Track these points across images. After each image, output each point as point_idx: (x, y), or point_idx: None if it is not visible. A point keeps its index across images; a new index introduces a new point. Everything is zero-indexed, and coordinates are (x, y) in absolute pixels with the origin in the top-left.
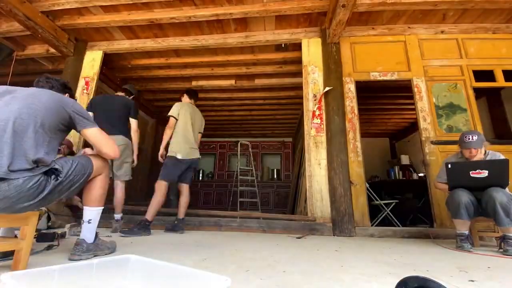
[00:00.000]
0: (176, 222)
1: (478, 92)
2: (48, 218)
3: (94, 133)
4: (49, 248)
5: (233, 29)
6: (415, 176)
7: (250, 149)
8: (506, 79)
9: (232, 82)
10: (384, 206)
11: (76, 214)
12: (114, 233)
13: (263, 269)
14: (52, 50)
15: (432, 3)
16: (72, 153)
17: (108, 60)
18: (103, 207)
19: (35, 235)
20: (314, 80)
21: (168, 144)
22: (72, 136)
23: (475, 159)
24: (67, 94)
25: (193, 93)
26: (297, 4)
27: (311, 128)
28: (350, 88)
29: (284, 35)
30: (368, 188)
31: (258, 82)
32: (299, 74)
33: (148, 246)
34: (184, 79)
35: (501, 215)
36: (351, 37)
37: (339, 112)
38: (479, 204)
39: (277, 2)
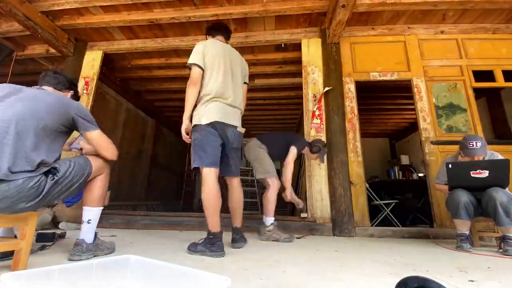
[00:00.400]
0: (233, 235)
1: (478, 92)
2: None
3: (95, 136)
4: (42, 248)
5: (233, 29)
6: (415, 176)
7: None
8: (506, 79)
9: None
10: (384, 206)
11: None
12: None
13: (263, 269)
14: (52, 50)
15: (432, 3)
16: None
17: (108, 60)
18: (102, 208)
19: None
20: (314, 80)
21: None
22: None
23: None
24: (72, 92)
25: (221, 28)
26: (297, 4)
27: (311, 128)
28: (350, 88)
29: (284, 35)
30: (368, 188)
31: (258, 82)
32: (299, 74)
33: (147, 246)
34: (184, 79)
35: (502, 215)
36: (351, 37)
37: (339, 112)
38: (479, 204)
39: (277, 2)
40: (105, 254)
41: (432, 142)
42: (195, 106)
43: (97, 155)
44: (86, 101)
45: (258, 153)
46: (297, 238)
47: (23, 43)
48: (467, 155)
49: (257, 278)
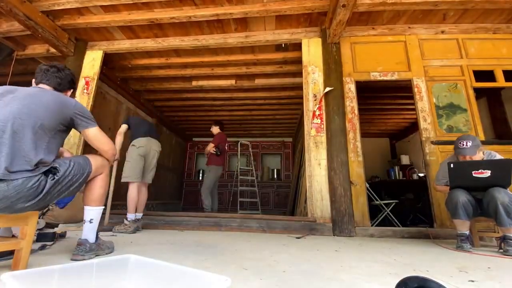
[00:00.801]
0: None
1: (478, 92)
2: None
3: (94, 132)
4: (42, 248)
5: (233, 29)
6: (415, 176)
7: (250, 149)
8: (507, 79)
9: (232, 82)
10: (384, 206)
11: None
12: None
13: (263, 269)
14: (52, 50)
15: (433, 3)
16: None
17: (108, 60)
18: (103, 207)
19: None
20: (314, 80)
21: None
22: (73, 136)
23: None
24: (71, 90)
25: None
26: (297, 4)
27: (311, 128)
28: (350, 88)
29: (284, 35)
30: (368, 188)
31: (258, 82)
32: (299, 74)
33: (148, 246)
34: (184, 79)
35: (503, 216)
36: (351, 37)
37: (339, 112)
38: (480, 204)
39: (277, 2)
40: (106, 254)
41: (432, 142)
42: None
43: (97, 154)
44: (86, 101)
45: (127, 153)
46: (297, 238)
47: (23, 43)
48: (456, 154)
49: (257, 278)
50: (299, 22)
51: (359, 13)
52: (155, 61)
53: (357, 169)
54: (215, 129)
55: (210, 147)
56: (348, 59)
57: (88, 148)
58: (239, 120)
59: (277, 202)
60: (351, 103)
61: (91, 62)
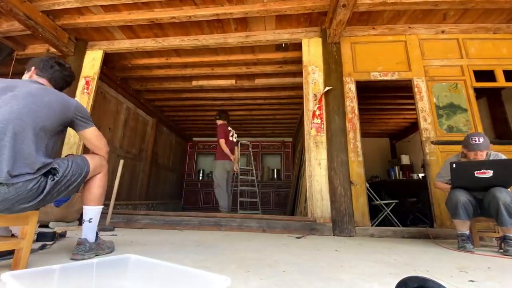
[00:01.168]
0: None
1: (478, 92)
2: None
3: (92, 132)
4: (42, 247)
5: (234, 29)
6: (415, 176)
7: (250, 149)
8: (507, 79)
9: (233, 81)
10: (384, 206)
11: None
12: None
13: (263, 269)
14: (52, 49)
15: (433, 3)
16: None
17: (109, 60)
18: (102, 206)
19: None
20: (314, 80)
21: None
22: (73, 136)
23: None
24: (68, 87)
25: None
26: (298, 4)
27: (311, 128)
28: (350, 88)
29: (284, 35)
30: (368, 188)
31: (259, 82)
32: (299, 74)
33: (148, 246)
34: (185, 79)
35: (504, 215)
36: (352, 37)
37: (339, 112)
38: (480, 204)
39: (277, 2)
40: (106, 254)
41: (432, 142)
42: None
43: (94, 154)
44: (86, 101)
45: None
46: (297, 238)
47: (23, 43)
48: (471, 149)
49: (257, 278)
50: (299, 22)
51: (359, 13)
52: (155, 60)
53: (357, 169)
54: (218, 122)
55: (222, 144)
56: (348, 59)
57: (87, 149)
58: (239, 120)
59: (277, 202)
60: (351, 103)
61: (91, 62)
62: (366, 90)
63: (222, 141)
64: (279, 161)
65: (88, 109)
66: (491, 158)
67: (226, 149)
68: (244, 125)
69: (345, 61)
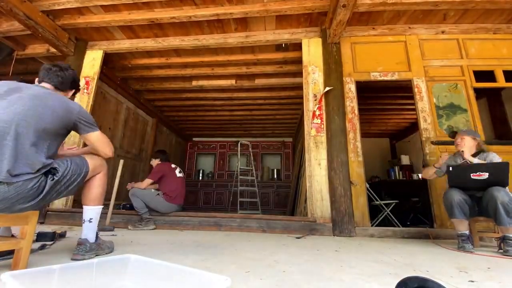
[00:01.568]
0: None
1: (478, 92)
2: None
3: (96, 137)
4: (42, 247)
5: (234, 29)
6: (415, 177)
7: (250, 149)
8: (507, 80)
9: (233, 82)
10: (384, 206)
11: None
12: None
13: (263, 269)
14: (52, 49)
15: (433, 3)
16: None
17: (109, 60)
18: (102, 206)
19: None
20: (314, 80)
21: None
22: (73, 136)
23: (461, 148)
24: (73, 91)
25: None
26: (298, 4)
27: (311, 128)
28: (350, 88)
29: (284, 35)
30: (368, 188)
31: (259, 82)
32: (299, 74)
33: (148, 246)
34: (185, 79)
35: (502, 215)
36: (352, 37)
37: (339, 112)
38: (478, 203)
39: (277, 2)
40: (106, 254)
41: (432, 142)
42: None
43: (93, 154)
44: (86, 101)
45: None
46: (297, 238)
47: (23, 43)
48: (455, 137)
49: (257, 278)
50: (299, 22)
51: (360, 13)
52: (155, 61)
53: (357, 169)
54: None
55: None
56: (348, 59)
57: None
58: (239, 120)
59: (277, 202)
60: (351, 103)
61: (91, 62)
62: (366, 90)
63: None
64: (279, 161)
65: (88, 109)
66: (487, 158)
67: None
68: (244, 125)
69: (345, 61)
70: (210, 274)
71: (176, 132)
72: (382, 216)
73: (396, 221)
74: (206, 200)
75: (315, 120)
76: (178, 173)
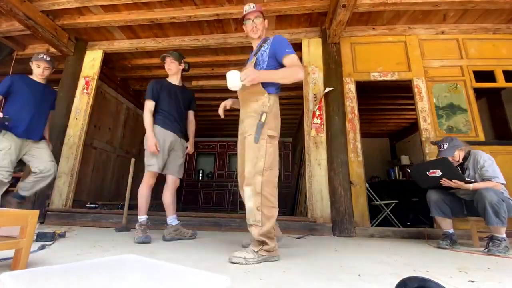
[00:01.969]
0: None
1: (478, 92)
2: None
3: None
4: (42, 248)
5: (234, 29)
6: None
7: None
8: (507, 80)
9: None
10: (384, 207)
11: None
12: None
13: (263, 269)
14: (52, 49)
15: (433, 3)
16: None
17: (108, 60)
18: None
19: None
20: (314, 80)
21: None
22: (72, 136)
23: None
24: None
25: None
26: (298, 4)
27: (311, 128)
28: (350, 88)
29: (284, 35)
30: (368, 188)
31: None
32: None
33: (148, 246)
34: (185, 79)
35: (490, 215)
36: (352, 37)
37: (339, 112)
38: (467, 204)
39: (277, 2)
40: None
41: (432, 143)
42: None
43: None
44: (86, 101)
45: None
46: (297, 238)
47: (23, 43)
48: (438, 156)
49: (257, 278)
50: (299, 22)
51: (359, 13)
52: (155, 61)
53: (357, 169)
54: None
55: None
56: (348, 59)
57: (87, 148)
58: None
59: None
60: (351, 103)
61: (91, 62)
62: (366, 90)
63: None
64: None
65: (88, 109)
66: (471, 158)
67: None
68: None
69: (345, 61)
70: (209, 274)
71: None
72: (382, 216)
73: (396, 221)
74: (206, 200)
75: (315, 120)
76: None
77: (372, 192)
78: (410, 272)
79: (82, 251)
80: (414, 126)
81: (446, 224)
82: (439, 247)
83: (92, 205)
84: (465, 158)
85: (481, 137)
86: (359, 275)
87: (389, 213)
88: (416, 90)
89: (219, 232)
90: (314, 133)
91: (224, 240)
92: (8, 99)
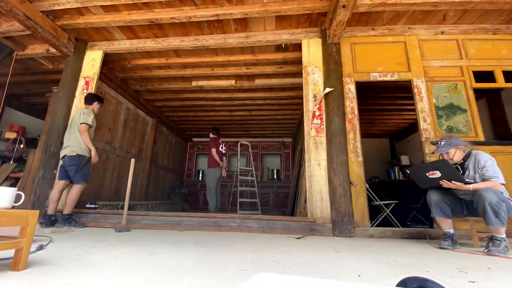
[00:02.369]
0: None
1: (478, 93)
2: None
3: None
4: (40, 248)
5: (233, 29)
6: None
7: (250, 149)
8: (506, 80)
9: (232, 82)
10: (384, 207)
11: None
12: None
13: (262, 269)
14: (52, 49)
15: (432, 3)
16: None
17: (108, 60)
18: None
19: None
20: (314, 80)
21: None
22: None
23: (451, 161)
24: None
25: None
26: (298, 5)
27: (311, 129)
28: (350, 89)
29: (284, 35)
30: (368, 188)
31: (258, 82)
32: (299, 74)
33: (148, 246)
34: (184, 79)
35: (490, 215)
36: (351, 37)
37: (339, 112)
38: (467, 205)
39: (277, 2)
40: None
41: (432, 143)
42: None
43: None
44: None
45: None
46: (297, 238)
47: (23, 43)
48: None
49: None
50: (299, 22)
51: (359, 13)
52: (155, 61)
53: (357, 170)
54: (211, 135)
55: (214, 152)
56: (348, 59)
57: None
58: (239, 120)
59: (277, 202)
60: (351, 104)
61: (91, 62)
62: (366, 90)
63: (213, 150)
64: (279, 162)
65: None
66: (471, 158)
67: (217, 157)
68: (244, 125)
69: (345, 61)
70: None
71: (176, 133)
72: (382, 217)
73: (396, 221)
74: (206, 201)
75: (315, 121)
76: (220, 148)
77: (372, 192)
78: (410, 272)
79: (82, 251)
80: (414, 126)
81: (447, 225)
82: (441, 248)
83: (91, 205)
84: (466, 158)
85: (481, 137)
86: (359, 275)
87: (389, 213)
88: (416, 90)
89: (219, 232)
90: (314, 133)
91: (224, 241)
92: None
